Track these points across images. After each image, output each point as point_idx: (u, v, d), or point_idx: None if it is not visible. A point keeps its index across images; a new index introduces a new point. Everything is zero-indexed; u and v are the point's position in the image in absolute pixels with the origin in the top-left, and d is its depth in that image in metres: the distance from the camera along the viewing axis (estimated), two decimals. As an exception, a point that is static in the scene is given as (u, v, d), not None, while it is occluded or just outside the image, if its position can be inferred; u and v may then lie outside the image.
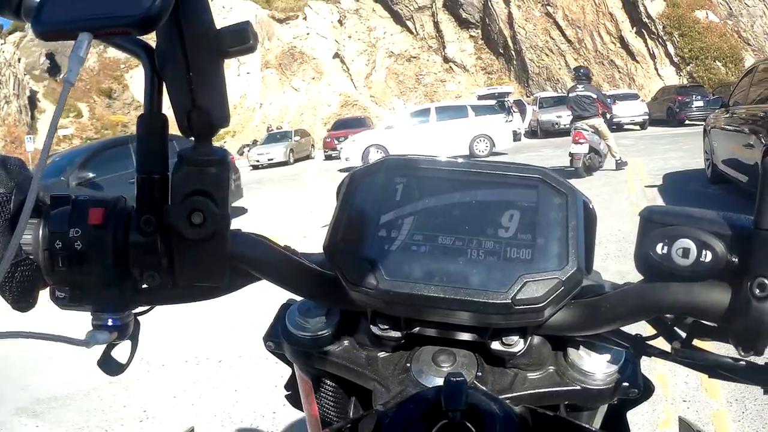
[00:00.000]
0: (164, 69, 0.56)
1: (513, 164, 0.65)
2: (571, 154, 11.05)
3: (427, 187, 0.63)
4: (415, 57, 51.09)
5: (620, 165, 11.51)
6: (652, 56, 38.92)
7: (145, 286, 0.64)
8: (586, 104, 10.98)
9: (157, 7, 0.43)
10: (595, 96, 11.12)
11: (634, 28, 40.27)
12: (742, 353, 0.54)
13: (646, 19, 39.55)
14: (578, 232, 0.59)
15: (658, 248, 0.54)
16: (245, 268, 0.65)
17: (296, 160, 28.74)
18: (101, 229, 0.60)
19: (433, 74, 49.86)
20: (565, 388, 0.62)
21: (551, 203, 0.61)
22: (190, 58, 0.53)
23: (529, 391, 0.62)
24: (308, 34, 53.31)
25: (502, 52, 46.24)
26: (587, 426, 0.61)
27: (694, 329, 0.59)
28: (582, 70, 11.58)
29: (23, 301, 0.60)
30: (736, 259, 0.52)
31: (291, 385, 0.82)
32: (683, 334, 0.60)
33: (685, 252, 0.53)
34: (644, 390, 0.64)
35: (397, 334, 0.62)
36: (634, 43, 39.80)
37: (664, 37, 38.79)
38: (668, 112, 26.95)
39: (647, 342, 0.63)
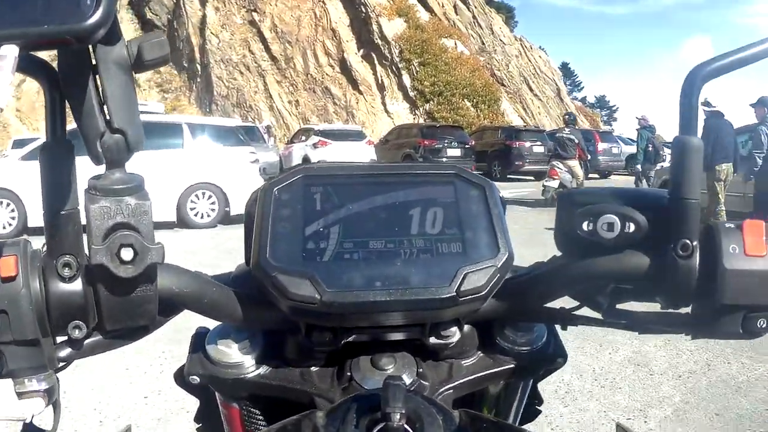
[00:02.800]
0: (70, 91, 0.50)
1: (426, 164, 0.68)
2: (543, 186, 13.27)
3: (346, 194, 0.63)
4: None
5: None
6: (381, 87, 28.27)
7: (64, 338, 0.57)
8: (568, 146, 12.43)
9: (103, 10, 0.39)
10: (577, 141, 12.59)
11: (362, 51, 29.52)
12: (671, 308, 0.60)
13: (378, 40, 28.97)
14: (502, 220, 0.62)
15: (584, 225, 0.59)
16: (171, 301, 0.60)
17: None
18: (14, 281, 0.52)
19: (89, 89, 34.76)
20: (498, 369, 0.66)
21: (470, 196, 0.63)
22: (104, 77, 0.49)
23: (466, 378, 0.65)
24: None
25: (186, 65, 32.78)
26: (521, 428, 0.67)
27: (617, 294, 0.64)
28: (571, 116, 13.73)
29: None
30: (657, 227, 0.57)
31: (202, 416, 0.79)
32: (604, 302, 0.64)
33: (610, 226, 0.58)
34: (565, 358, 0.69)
35: (334, 345, 0.62)
36: (359, 68, 28.86)
37: (400, 65, 28.48)
38: (406, 160, 17.78)
39: (572, 313, 0.66)
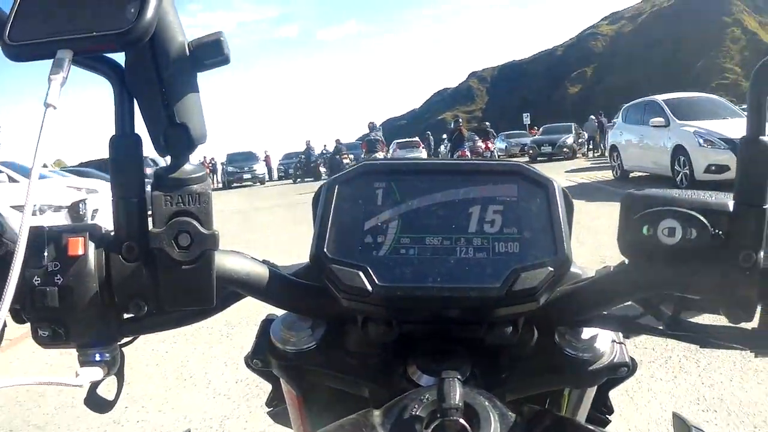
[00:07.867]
0: (137, 87, 0.54)
1: (489, 161, 0.66)
2: None
3: (407, 190, 0.63)
4: None
5: None
6: None
7: (130, 315, 0.60)
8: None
9: (144, 19, 0.43)
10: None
11: None
12: (733, 322, 0.56)
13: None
14: (562, 221, 0.60)
15: (644, 230, 0.55)
16: (231, 287, 0.63)
17: None
18: (81, 259, 0.56)
19: None
20: (555, 374, 0.64)
21: (532, 195, 0.62)
22: (165, 74, 0.52)
23: (523, 379, 0.63)
24: None
25: None
26: (581, 423, 0.66)
27: (681, 304, 0.60)
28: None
29: None
30: (721, 235, 0.53)
31: (273, 401, 0.82)
32: (668, 312, 0.61)
33: (671, 231, 0.54)
34: (630, 368, 0.65)
35: (390, 337, 0.62)
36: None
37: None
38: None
39: (635, 321, 0.63)
